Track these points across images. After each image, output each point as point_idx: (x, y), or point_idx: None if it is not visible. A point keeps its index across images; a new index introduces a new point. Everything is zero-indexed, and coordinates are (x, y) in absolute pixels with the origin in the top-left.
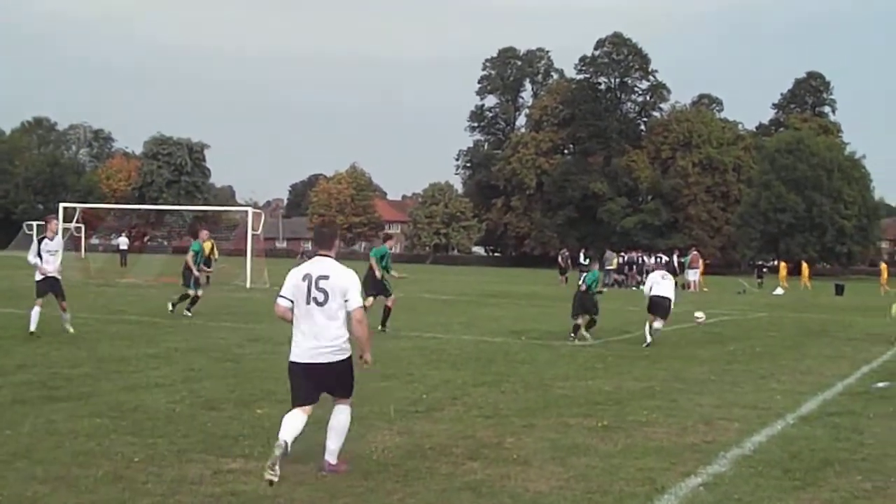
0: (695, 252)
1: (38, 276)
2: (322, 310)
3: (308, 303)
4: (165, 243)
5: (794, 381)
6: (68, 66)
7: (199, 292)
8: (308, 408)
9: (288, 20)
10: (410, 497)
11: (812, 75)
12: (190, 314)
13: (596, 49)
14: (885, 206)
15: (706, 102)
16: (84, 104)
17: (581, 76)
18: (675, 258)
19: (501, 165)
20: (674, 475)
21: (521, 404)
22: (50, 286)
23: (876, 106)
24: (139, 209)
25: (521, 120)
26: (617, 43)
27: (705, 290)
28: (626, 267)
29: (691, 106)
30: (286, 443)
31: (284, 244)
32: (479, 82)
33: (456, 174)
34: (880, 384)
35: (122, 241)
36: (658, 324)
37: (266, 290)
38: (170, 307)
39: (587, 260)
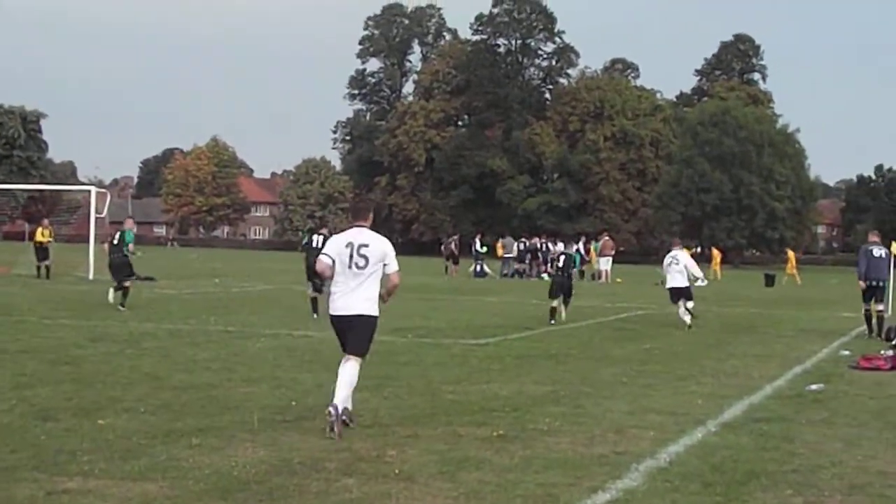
0: (606, 238)
1: None
2: (361, 272)
3: (350, 267)
4: None
5: (718, 383)
6: None
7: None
8: None
9: None
10: None
11: (740, 38)
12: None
13: (494, 6)
14: (821, 185)
15: (620, 68)
16: None
17: (477, 37)
18: (580, 245)
19: (386, 139)
20: (579, 491)
21: (405, 412)
22: None
23: (811, 73)
24: None
25: (409, 87)
26: (518, 0)
27: (618, 280)
28: (529, 255)
29: (603, 72)
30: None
31: (134, 229)
32: (360, 43)
33: (333, 149)
34: (813, 386)
35: None
36: (689, 304)
37: (110, 282)
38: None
39: (484, 247)
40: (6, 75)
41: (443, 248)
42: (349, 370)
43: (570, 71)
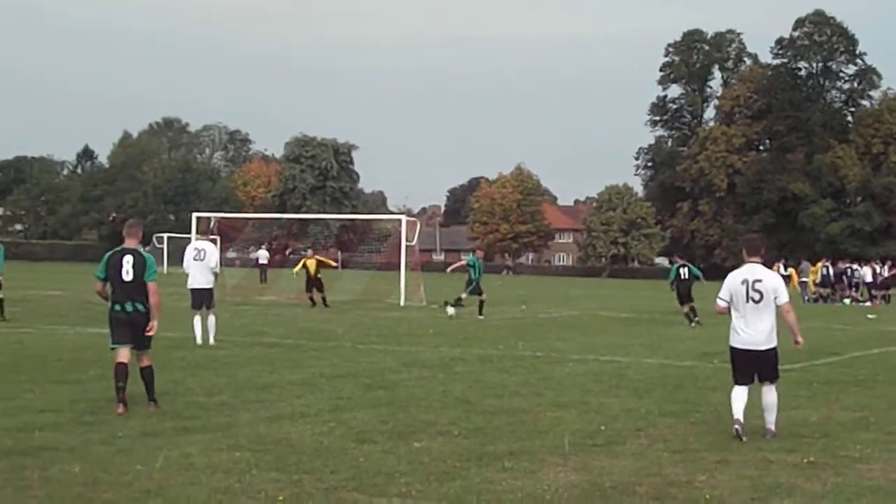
0: None
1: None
2: (757, 307)
3: (747, 301)
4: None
5: None
6: (200, 62)
7: None
8: (744, 387)
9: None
10: None
11: None
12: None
13: (795, 30)
14: None
15: None
16: (218, 103)
17: (778, 61)
18: (885, 270)
19: (687, 165)
20: None
21: (714, 437)
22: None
23: None
24: (280, 218)
25: (710, 112)
26: (819, 22)
27: None
28: (835, 279)
29: None
30: (740, 421)
31: (442, 256)
32: (660, 70)
33: (635, 175)
34: None
35: (262, 255)
36: None
37: (422, 309)
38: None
39: (787, 271)
40: (320, 110)
41: None
42: (771, 397)
43: (872, 93)
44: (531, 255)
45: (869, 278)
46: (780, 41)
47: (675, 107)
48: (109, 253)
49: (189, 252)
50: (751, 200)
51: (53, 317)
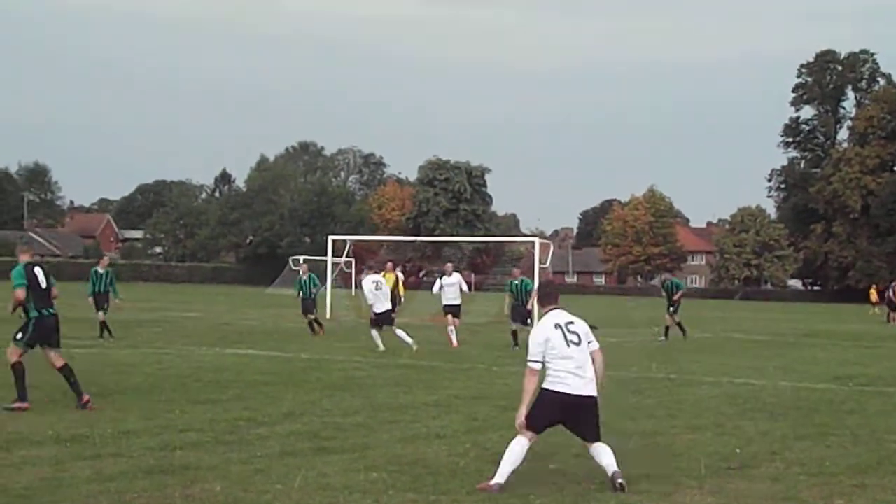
0: None
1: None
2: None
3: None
4: None
5: None
6: (334, 88)
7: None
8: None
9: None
10: None
11: None
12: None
13: None
14: None
15: None
16: (353, 127)
17: None
18: None
19: (821, 186)
20: None
21: (851, 460)
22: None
23: None
24: (414, 241)
25: (843, 133)
26: None
27: None
28: None
29: None
30: None
31: (575, 278)
32: (793, 91)
33: (768, 197)
34: None
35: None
36: None
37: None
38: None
39: None
40: (453, 132)
41: (890, 293)
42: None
43: None
44: (664, 277)
45: None
46: None
47: (807, 128)
48: (23, 265)
49: (367, 285)
50: (885, 222)
51: (192, 337)
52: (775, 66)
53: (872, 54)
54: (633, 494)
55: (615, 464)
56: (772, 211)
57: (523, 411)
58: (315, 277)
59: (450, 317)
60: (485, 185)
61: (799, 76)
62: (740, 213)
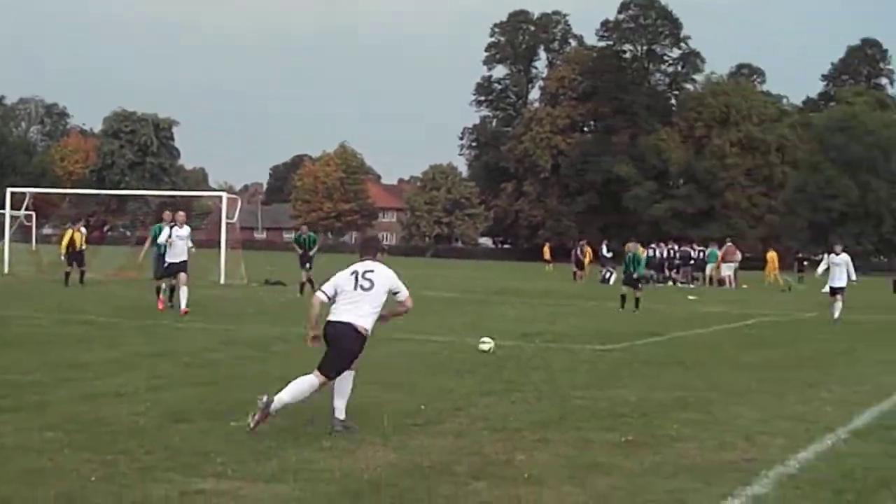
0: (730, 244)
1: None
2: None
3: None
4: (128, 233)
5: (847, 390)
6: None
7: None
8: None
9: None
10: None
11: (867, 43)
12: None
13: (620, 12)
14: None
15: (746, 73)
16: (35, 75)
17: (603, 43)
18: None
19: (512, 145)
20: (708, 497)
21: (534, 416)
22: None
23: None
24: (98, 194)
25: (535, 93)
26: (644, 5)
27: (745, 286)
28: (667, 263)
29: (729, 77)
30: None
31: (264, 234)
32: (486, 50)
33: (460, 155)
34: None
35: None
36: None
37: (243, 287)
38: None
39: (609, 252)
40: (139, 85)
41: (577, 251)
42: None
43: (695, 76)
44: (355, 235)
45: (691, 260)
46: (605, 23)
47: (500, 87)
48: None
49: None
50: (575, 182)
51: None
52: (470, 24)
53: (565, 15)
54: (315, 451)
55: (343, 411)
56: (463, 169)
57: (310, 333)
58: None
59: (182, 275)
60: (172, 139)
61: (492, 35)
62: (432, 171)
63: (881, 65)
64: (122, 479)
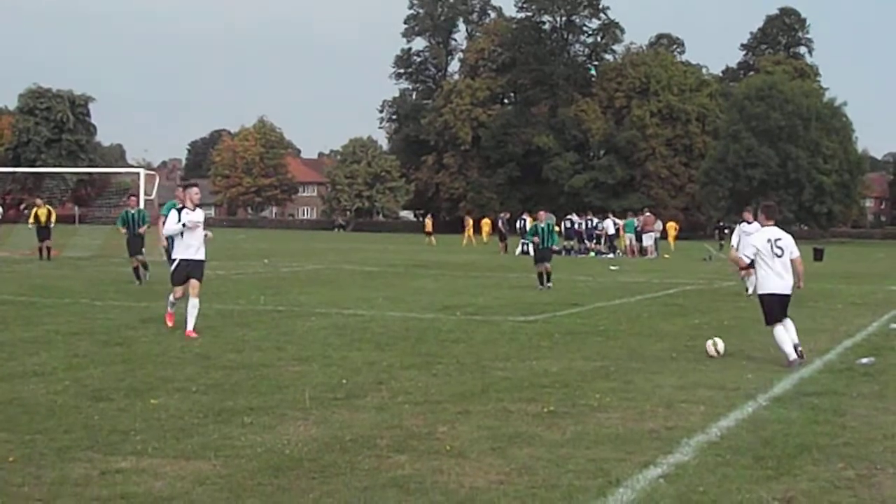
0: (648, 214)
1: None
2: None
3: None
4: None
5: (767, 357)
6: None
7: None
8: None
9: None
10: (328, 496)
11: (785, 12)
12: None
13: None
14: (869, 159)
15: (665, 44)
16: None
17: (522, 14)
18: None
19: (432, 117)
20: (630, 466)
21: (455, 389)
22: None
23: (858, 47)
24: (14, 172)
25: (455, 65)
26: None
27: (666, 256)
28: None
29: (648, 48)
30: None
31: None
32: (405, 22)
33: (380, 128)
34: (864, 360)
35: None
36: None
37: (163, 263)
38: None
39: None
40: (54, 60)
41: (499, 223)
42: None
43: (615, 47)
44: (275, 209)
45: (611, 231)
46: None
47: (419, 59)
48: None
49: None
50: (496, 153)
51: None
52: None
53: None
54: (236, 427)
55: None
56: (384, 142)
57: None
58: None
59: (196, 284)
60: (88, 115)
61: (411, 7)
62: (352, 144)
63: (800, 34)
64: (41, 460)
